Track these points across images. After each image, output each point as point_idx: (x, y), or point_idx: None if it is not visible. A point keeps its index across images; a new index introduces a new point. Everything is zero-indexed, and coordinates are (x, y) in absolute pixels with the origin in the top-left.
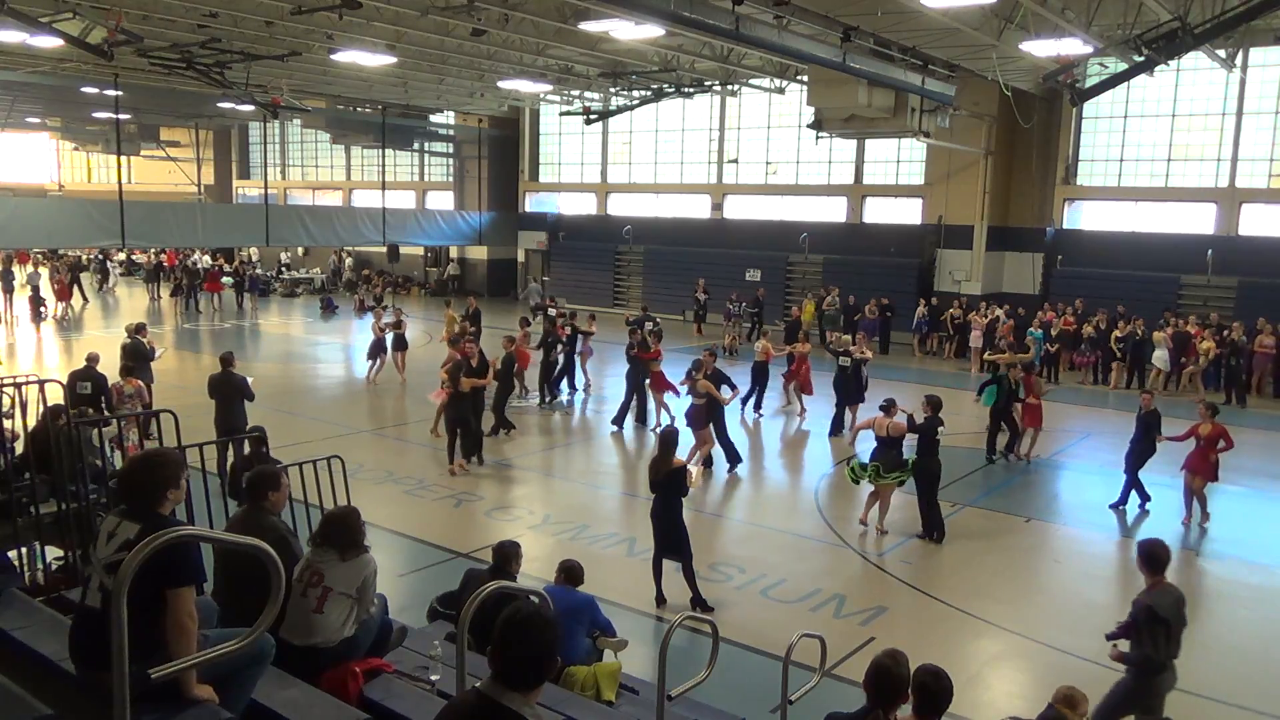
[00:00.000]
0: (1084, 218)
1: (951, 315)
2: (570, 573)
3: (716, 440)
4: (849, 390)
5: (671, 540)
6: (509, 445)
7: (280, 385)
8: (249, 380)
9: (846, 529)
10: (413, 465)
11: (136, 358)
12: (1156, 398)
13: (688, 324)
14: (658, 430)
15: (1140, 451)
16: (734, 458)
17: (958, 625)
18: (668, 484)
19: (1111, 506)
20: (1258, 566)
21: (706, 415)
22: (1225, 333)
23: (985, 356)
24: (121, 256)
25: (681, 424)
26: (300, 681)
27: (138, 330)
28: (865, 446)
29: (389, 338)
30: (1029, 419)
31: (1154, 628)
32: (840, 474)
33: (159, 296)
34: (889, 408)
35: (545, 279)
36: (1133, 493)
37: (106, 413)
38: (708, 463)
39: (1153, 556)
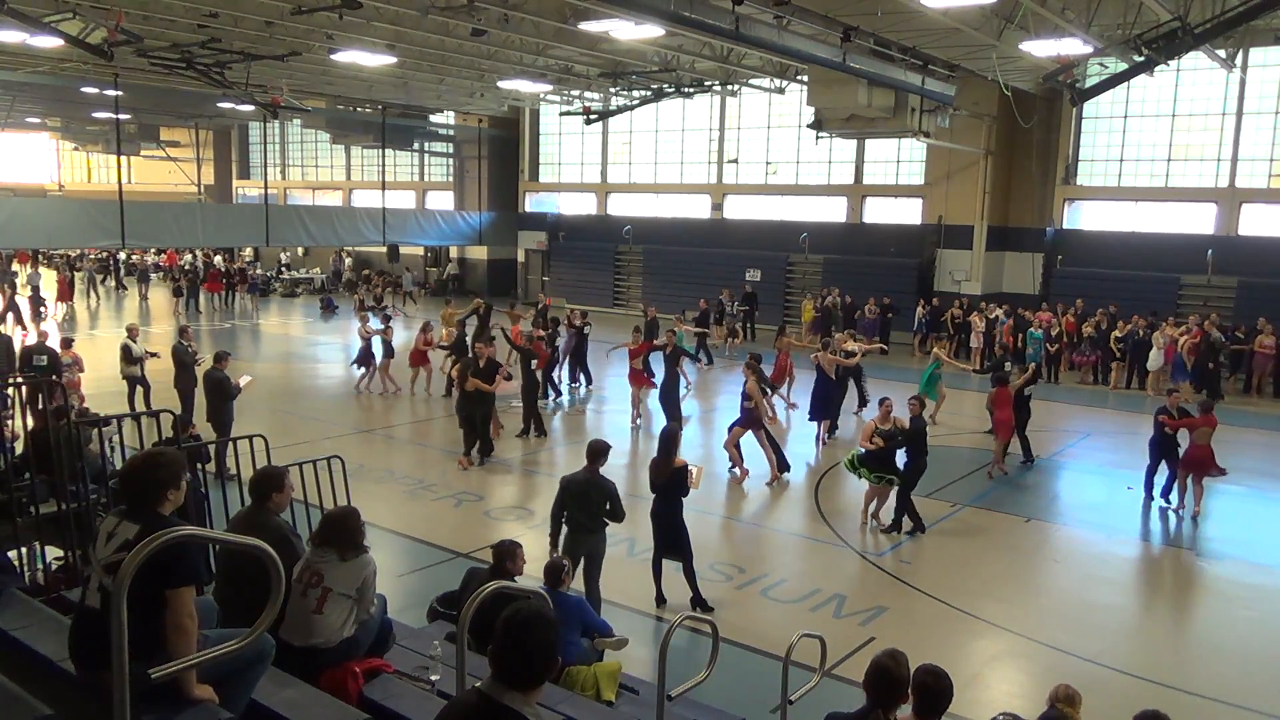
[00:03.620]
0: (1084, 218)
1: (952, 315)
2: (551, 573)
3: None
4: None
5: (672, 540)
6: (509, 445)
7: (280, 385)
8: (229, 378)
9: (846, 529)
10: (413, 465)
11: (179, 364)
12: (1150, 398)
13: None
14: (638, 425)
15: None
16: (782, 464)
17: (958, 625)
18: (669, 484)
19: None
20: (1258, 566)
21: (754, 417)
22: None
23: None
24: (122, 256)
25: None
26: (300, 681)
27: (181, 334)
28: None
29: (377, 344)
30: (999, 431)
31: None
32: (839, 474)
33: (147, 296)
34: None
35: (546, 278)
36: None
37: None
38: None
39: (589, 449)
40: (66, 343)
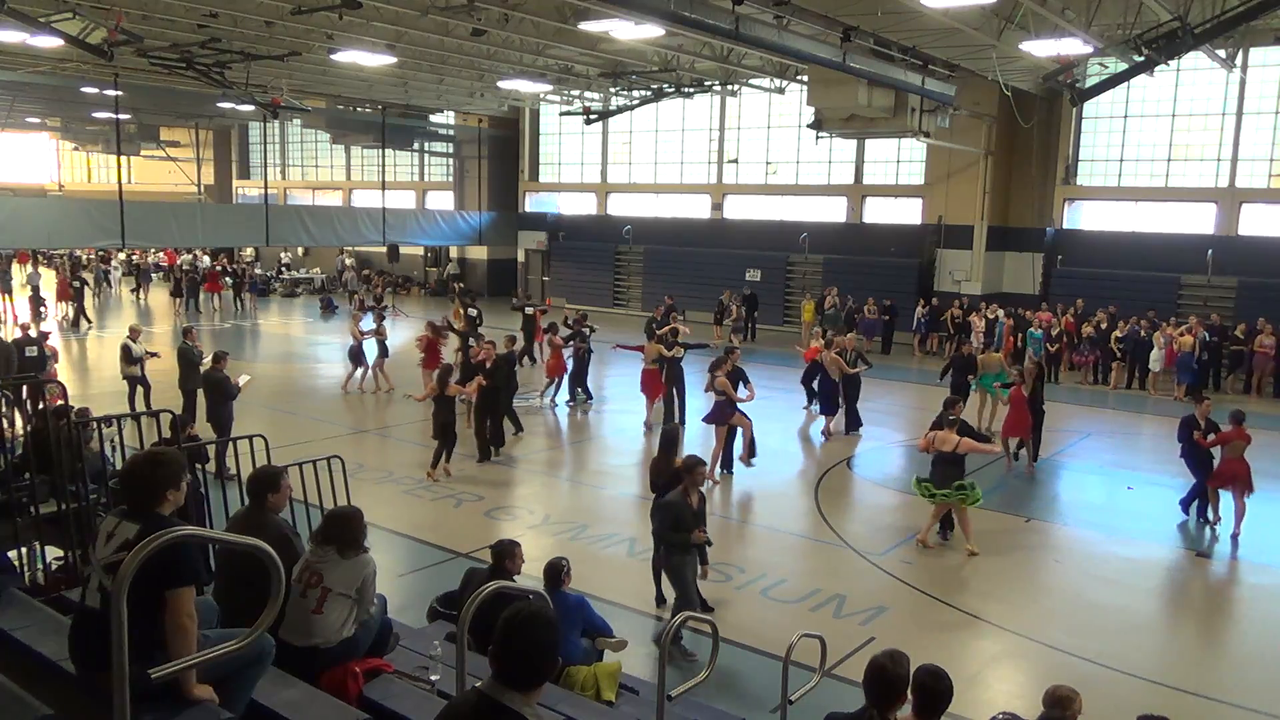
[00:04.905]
0: (1084, 218)
1: (952, 315)
2: (549, 573)
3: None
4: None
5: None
6: (510, 445)
7: (280, 385)
8: (229, 378)
9: (846, 529)
10: (412, 465)
11: (186, 364)
12: (1151, 397)
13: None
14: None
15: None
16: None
17: (958, 625)
18: (670, 484)
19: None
20: (1260, 566)
21: (727, 413)
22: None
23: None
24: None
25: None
26: (300, 682)
27: (185, 334)
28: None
29: (370, 344)
30: (1006, 428)
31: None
32: (840, 474)
33: (145, 296)
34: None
35: (546, 278)
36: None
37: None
38: (728, 465)
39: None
40: (43, 336)
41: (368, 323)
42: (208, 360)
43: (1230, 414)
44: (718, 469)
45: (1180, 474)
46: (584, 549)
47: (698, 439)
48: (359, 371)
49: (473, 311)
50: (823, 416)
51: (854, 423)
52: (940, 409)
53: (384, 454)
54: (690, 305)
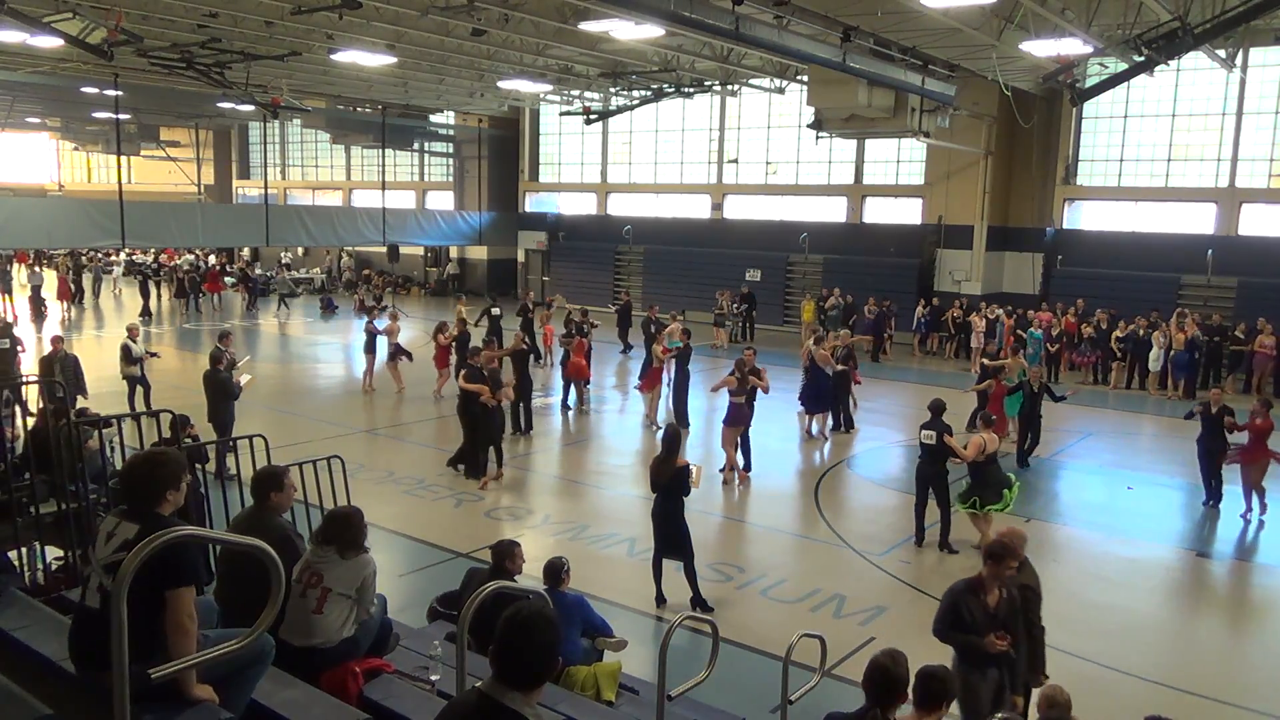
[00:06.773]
0: (1084, 218)
1: (952, 315)
2: (549, 572)
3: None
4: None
5: (674, 540)
6: (510, 445)
7: (280, 385)
8: (231, 378)
9: (846, 529)
10: (413, 465)
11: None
12: (1151, 397)
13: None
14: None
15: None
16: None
17: None
18: (671, 484)
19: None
20: (1261, 566)
21: (746, 415)
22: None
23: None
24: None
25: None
26: (300, 682)
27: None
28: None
29: (382, 342)
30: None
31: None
32: (839, 474)
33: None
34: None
35: (546, 278)
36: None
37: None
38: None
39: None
40: (8, 327)
41: (375, 321)
42: (242, 364)
43: (1259, 402)
44: (733, 472)
45: (1180, 474)
46: (584, 549)
47: (699, 440)
48: (375, 367)
49: (495, 311)
50: (810, 416)
51: (847, 422)
52: (935, 413)
53: (384, 454)
54: (690, 305)
